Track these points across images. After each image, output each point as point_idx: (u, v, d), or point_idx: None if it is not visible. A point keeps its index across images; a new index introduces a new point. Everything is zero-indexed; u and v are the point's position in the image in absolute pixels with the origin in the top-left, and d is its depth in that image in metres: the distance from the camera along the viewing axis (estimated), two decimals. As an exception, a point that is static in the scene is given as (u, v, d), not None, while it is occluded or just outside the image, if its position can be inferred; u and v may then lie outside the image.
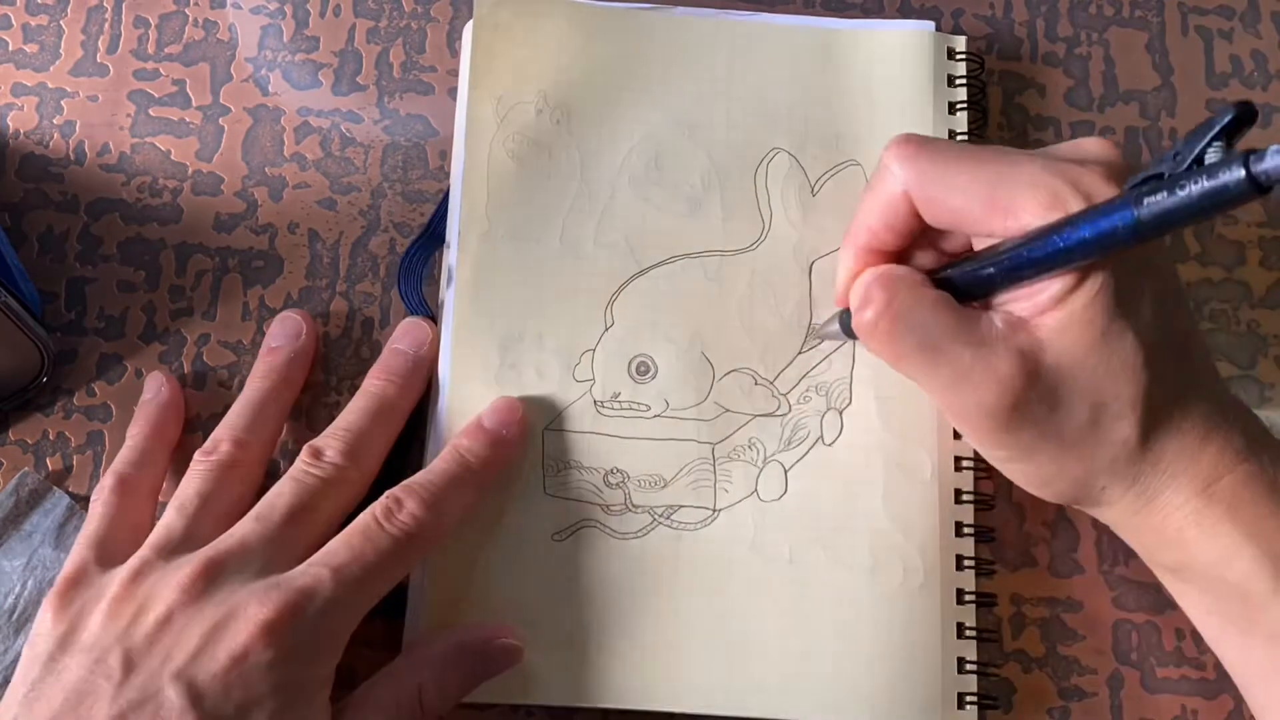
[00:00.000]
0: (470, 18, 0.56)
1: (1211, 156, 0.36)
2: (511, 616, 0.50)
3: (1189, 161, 0.37)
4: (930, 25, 0.56)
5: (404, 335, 0.53)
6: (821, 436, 0.52)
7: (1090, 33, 0.59)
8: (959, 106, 0.55)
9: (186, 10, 0.59)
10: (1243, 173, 0.35)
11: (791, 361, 0.52)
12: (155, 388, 0.53)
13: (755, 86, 0.55)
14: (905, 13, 0.59)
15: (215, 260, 0.55)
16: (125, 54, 0.58)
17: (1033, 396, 0.43)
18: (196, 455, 0.49)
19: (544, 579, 0.50)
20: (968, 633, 0.50)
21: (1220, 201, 0.36)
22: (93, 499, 0.49)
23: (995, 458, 0.47)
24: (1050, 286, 0.42)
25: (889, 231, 0.47)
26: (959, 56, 0.56)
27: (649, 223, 0.54)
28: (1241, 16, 0.59)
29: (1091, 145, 0.45)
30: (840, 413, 0.52)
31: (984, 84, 0.58)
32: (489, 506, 0.51)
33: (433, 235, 0.55)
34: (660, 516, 0.51)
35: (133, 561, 0.46)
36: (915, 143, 0.45)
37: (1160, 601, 0.51)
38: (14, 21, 0.58)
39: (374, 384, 0.51)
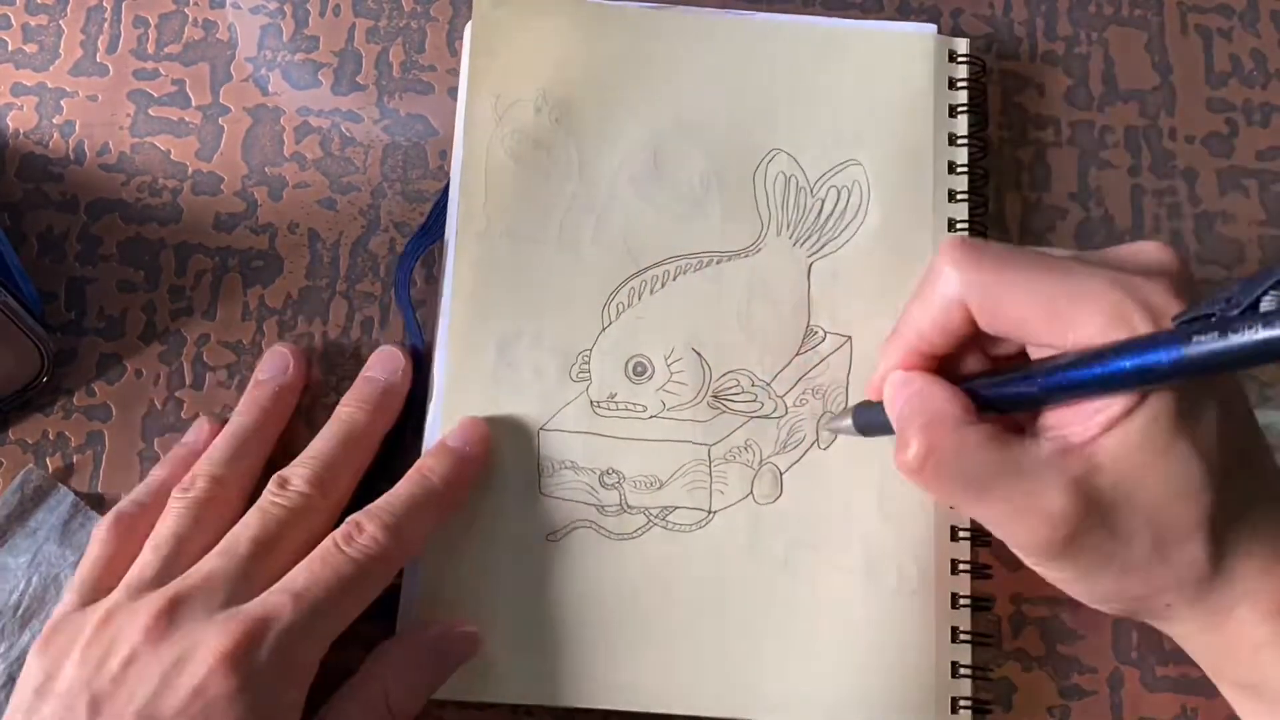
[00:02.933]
0: (469, 17, 0.56)
1: (1267, 305, 0.35)
2: (505, 617, 0.50)
3: (1244, 307, 0.35)
4: (932, 28, 0.56)
5: (377, 363, 0.53)
6: (817, 440, 0.52)
7: (1090, 32, 0.59)
8: (960, 109, 0.55)
9: (186, 10, 0.59)
10: None
11: (789, 363, 0.52)
12: (197, 435, 0.53)
13: (754, 87, 0.55)
14: (905, 12, 0.59)
15: (215, 260, 0.56)
16: (125, 54, 0.58)
17: (1090, 526, 0.41)
18: (174, 492, 0.49)
19: (538, 579, 0.50)
20: (962, 637, 0.50)
21: (1270, 353, 0.34)
22: (91, 538, 0.49)
23: (1054, 579, 0.45)
24: (1108, 407, 0.40)
25: (940, 335, 0.45)
26: (960, 59, 0.56)
27: (647, 223, 0.54)
28: (1241, 16, 0.59)
29: (1154, 251, 0.43)
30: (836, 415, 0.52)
31: (985, 86, 0.57)
32: (483, 506, 0.51)
33: (429, 231, 0.55)
34: (655, 518, 0.51)
35: (105, 603, 0.46)
36: (973, 249, 0.43)
37: (1159, 601, 0.51)
38: (14, 21, 0.58)
39: (344, 411, 0.51)
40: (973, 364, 0.46)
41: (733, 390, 0.52)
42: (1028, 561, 0.45)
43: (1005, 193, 0.57)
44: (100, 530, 0.49)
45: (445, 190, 0.55)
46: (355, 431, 0.50)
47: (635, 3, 0.56)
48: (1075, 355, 0.40)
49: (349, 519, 0.47)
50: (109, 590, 0.47)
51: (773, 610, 0.50)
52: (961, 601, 0.50)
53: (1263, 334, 0.34)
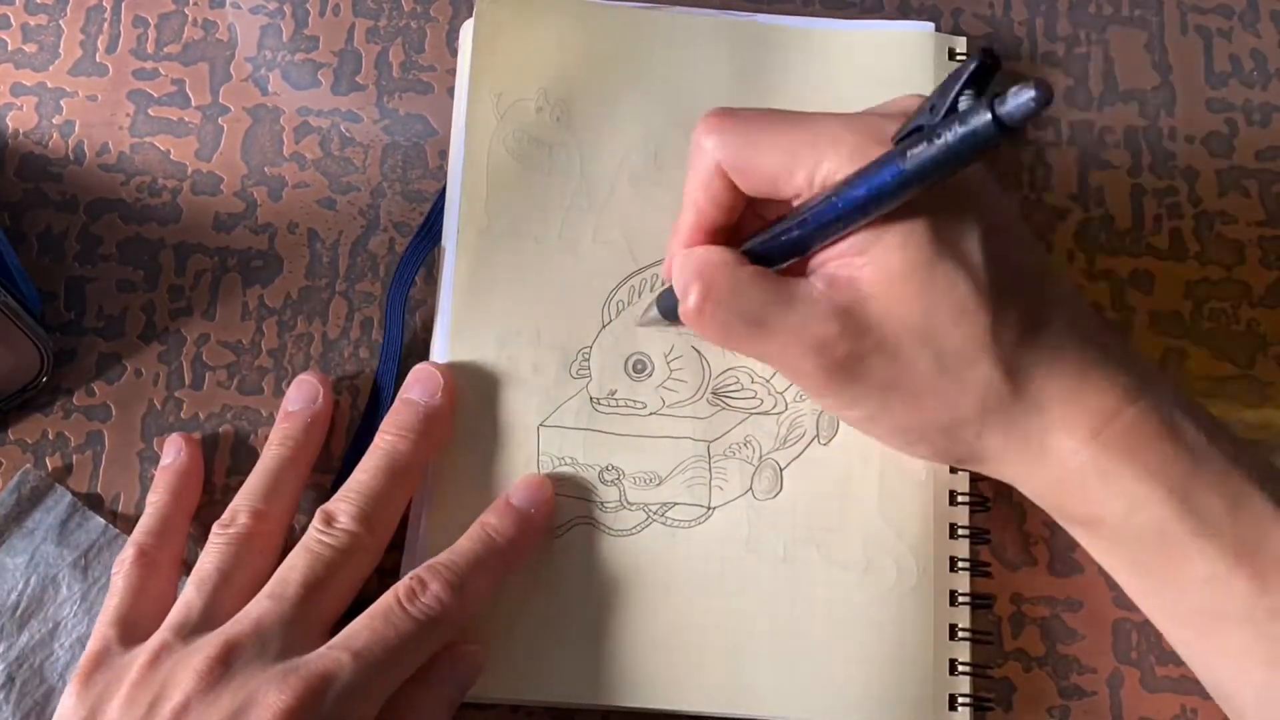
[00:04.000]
0: (470, 17, 0.56)
1: (963, 104, 0.37)
2: (505, 613, 0.50)
3: (944, 111, 0.38)
4: (930, 26, 0.56)
5: (416, 383, 0.51)
6: (817, 435, 0.52)
7: (1089, 32, 0.59)
8: (958, 106, 0.55)
9: (185, 10, 0.59)
10: (989, 116, 0.36)
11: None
12: (174, 452, 0.52)
13: (755, 86, 0.55)
14: (905, 12, 0.59)
15: (215, 260, 0.56)
16: (124, 54, 0.58)
17: (865, 350, 0.43)
18: (215, 528, 0.48)
19: (538, 576, 0.50)
20: (961, 634, 0.50)
21: (973, 145, 0.37)
22: (114, 572, 0.49)
23: (851, 419, 0.47)
24: (857, 240, 0.42)
25: (713, 207, 0.46)
26: (959, 57, 0.56)
27: (648, 221, 0.54)
28: (1241, 16, 0.59)
29: (903, 100, 0.45)
30: (836, 412, 0.52)
31: (983, 84, 0.58)
32: (483, 503, 0.50)
33: (428, 235, 0.55)
34: (655, 514, 0.51)
35: (151, 643, 0.45)
36: (722, 114, 0.45)
37: (1160, 601, 0.51)
38: (13, 21, 0.58)
39: (385, 440, 0.50)
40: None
41: (732, 387, 0.52)
42: (822, 403, 0.47)
43: (1005, 192, 0.57)
44: (124, 564, 0.48)
45: (441, 195, 0.55)
46: (399, 462, 0.49)
47: (636, 2, 0.57)
48: (822, 194, 0.42)
49: (413, 575, 0.46)
50: (147, 627, 0.46)
51: (772, 606, 0.50)
52: (960, 599, 0.50)
53: (962, 129, 0.37)
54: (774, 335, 0.44)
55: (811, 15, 0.59)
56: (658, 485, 0.51)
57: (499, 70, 0.55)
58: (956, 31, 0.59)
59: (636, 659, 0.49)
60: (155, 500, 0.51)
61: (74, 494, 0.52)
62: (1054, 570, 0.52)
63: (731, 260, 0.45)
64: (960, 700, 0.49)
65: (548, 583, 0.50)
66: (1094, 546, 0.46)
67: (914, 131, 0.39)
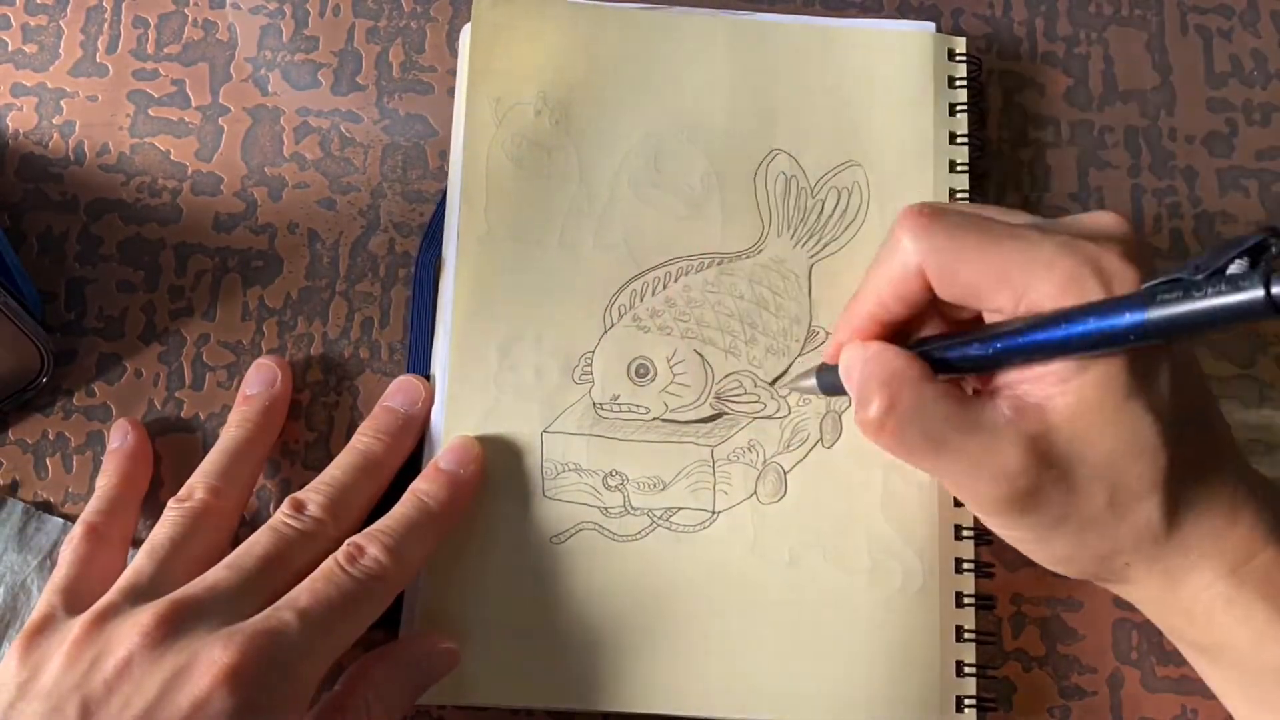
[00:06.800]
0: (470, 17, 0.56)
1: (1235, 270, 0.35)
2: (510, 619, 0.50)
3: (1210, 272, 0.36)
4: (930, 26, 0.56)
5: (397, 392, 0.52)
6: (821, 439, 0.52)
7: (1089, 32, 0.59)
8: (959, 108, 0.55)
9: (186, 10, 0.59)
10: (1262, 291, 0.34)
11: (791, 364, 0.52)
12: (121, 436, 0.52)
13: (755, 87, 0.55)
14: (905, 12, 0.59)
15: (215, 260, 0.55)
16: (124, 54, 0.58)
17: (1046, 482, 0.42)
18: (170, 502, 0.49)
19: (543, 582, 0.50)
20: (966, 636, 0.50)
21: (1234, 315, 0.35)
22: (62, 548, 0.49)
23: (1013, 539, 0.46)
24: (1063, 367, 0.41)
25: (899, 303, 0.45)
26: (959, 58, 0.56)
27: (648, 224, 0.54)
28: (1241, 16, 0.59)
29: (1107, 220, 0.43)
30: (840, 415, 0.52)
31: (983, 85, 0.57)
32: (488, 510, 0.51)
33: (432, 242, 0.55)
34: (659, 519, 0.51)
35: (97, 605, 0.44)
36: (929, 215, 0.44)
37: (1159, 601, 0.51)
38: (13, 21, 0.58)
39: (362, 440, 0.51)
40: (929, 333, 0.47)
41: (735, 391, 0.52)
42: (987, 522, 0.45)
43: (1005, 193, 0.57)
44: (73, 540, 0.48)
45: (442, 202, 0.55)
46: (372, 462, 0.50)
47: (634, 4, 0.56)
48: (1034, 318, 0.41)
49: (350, 541, 0.47)
50: (92, 594, 0.46)
51: (777, 610, 0.50)
52: (965, 601, 0.50)
53: (1226, 297, 0.35)
54: (956, 458, 0.43)
55: (811, 15, 0.59)
56: (662, 490, 0.51)
57: (497, 74, 0.55)
58: (956, 32, 0.58)
59: (641, 664, 0.49)
60: (104, 482, 0.51)
61: (75, 494, 0.52)
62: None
63: (918, 375, 0.43)
64: (966, 703, 0.49)
65: (552, 588, 0.50)
66: (1211, 672, 0.47)
67: (1168, 282, 0.37)
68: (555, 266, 0.53)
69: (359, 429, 0.51)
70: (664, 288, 0.53)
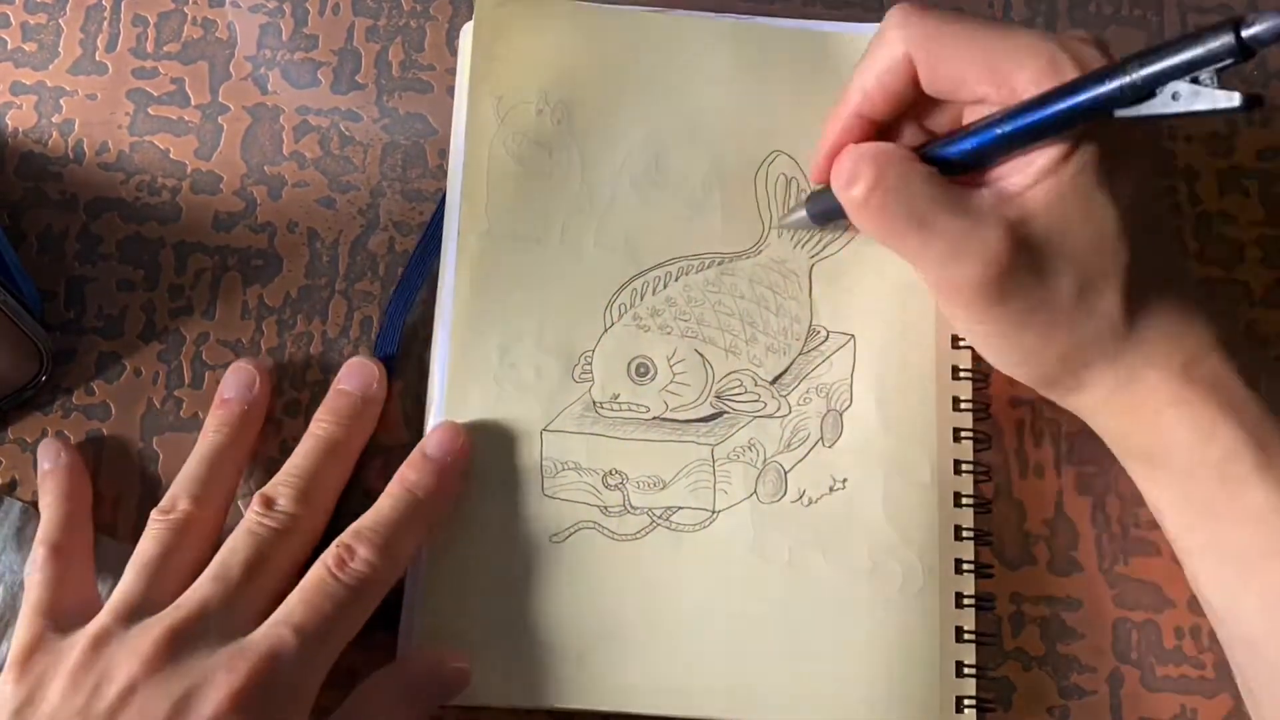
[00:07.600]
0: (469, 16, 0.56)
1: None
2: (509, 619, 0.50)
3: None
4: (930, 25, 0.56)
5: (350, 375, 0.52)
6: (821, 438, 0.52)
7: (1089, 32, 0.59)
8: (959, 107, 0.55)
9: (185, 9, 0.59)
10: (1231, 37, 0.36)
11: (792, 363, 0.52)
12: (53, 455, 0.52)
13: (755, 88, 0.55)
14: (905, 12, 0.59)
15: (214, 259, 0.55)
16: (124, 52, 0.58)
17: (1022, 265, 0.43)
18: (154, 514, 0.49)
19: (542, 581, 0.50)
20: (966, 636, 0.50)
21: (1207, 61, 0.37)
22: (27, 571, 0.49)
23: (981, 333, 0.47)
24: (1040, 158, 0.43)
25: (884, 96, 0.47)
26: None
27: (649, 224, 0.54)
28: (1241, 16, 0.59)
29: (1081, 32, 0.46)
30: (840, 414, 0.52)
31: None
32: (486, 508, 0.51)
33: (431, 241, 0.55)
34: (659, 518, 0.51)
35: (92, 628, 0.45)
36: (917, 9, 0.46)
37: (1160, 600, 0.51)
38: (13, 20, 0.58)
39: (321, 426, 0.51)
40: (912, 140, 0.48)
41: (735, 390, 0.52)
42: (959, 315, 0.47)
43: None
44: (37, 563, 0.48)
45: (441, 204, 0.55)
46: (333, 446, 0.50)
47: (636, 5, 0.56)
48: (1019, 105, 0.43)
49: (338, 541, 0.47)
50: (74, 614, 0.46)
51: (777, 610, 0.50)
52: (965, 601, 0.50)
53: (1197, 48, 0.37)
54: (937, 238, 0.44)
55: (812, 17, 0.59)
56: (661, 489, 0.51)
57: (499, 73, 0.55)
58: (957, 31, 0.58)
59: (642, 664, 0.49)
60: (49, 502, 0.51)
61: (25, 502, 0.52)
62: (1054, 570, 0.52)
63: (906, 155, 0.45)
64: (966, 703, 0.49)
65: (552, 587, 0.50)
66: (1148, 479, 0.48)
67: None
68: (556, 265, 0.53)
69: (315, 414, 0.51)
70: (664, 287, 0.53)
